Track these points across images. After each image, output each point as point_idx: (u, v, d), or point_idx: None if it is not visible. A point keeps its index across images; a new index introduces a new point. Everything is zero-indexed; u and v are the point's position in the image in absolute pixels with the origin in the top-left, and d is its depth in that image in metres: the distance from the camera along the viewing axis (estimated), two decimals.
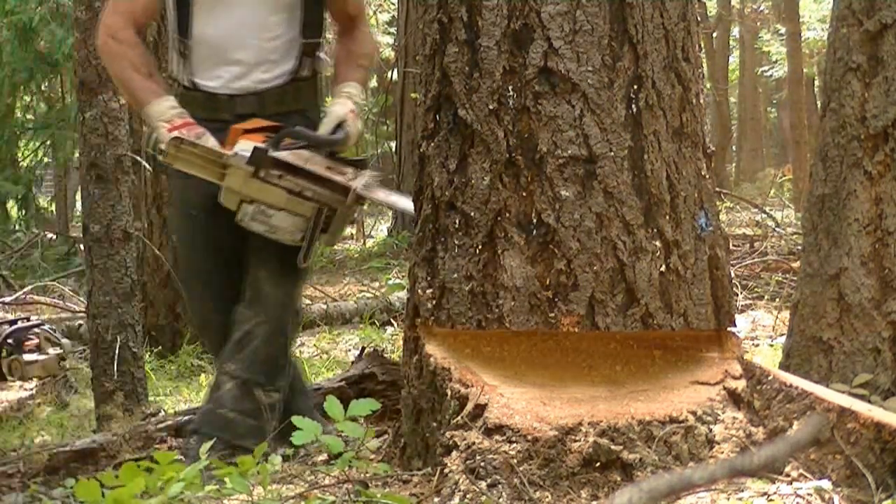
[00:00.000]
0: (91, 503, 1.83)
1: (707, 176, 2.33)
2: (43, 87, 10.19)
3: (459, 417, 2.08)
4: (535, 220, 2.19)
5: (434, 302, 2.26)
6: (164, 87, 3.02)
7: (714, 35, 19.23)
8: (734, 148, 22.94)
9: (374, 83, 15.59)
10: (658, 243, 2.21)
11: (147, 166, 5.67)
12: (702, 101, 2.35)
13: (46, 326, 5.24)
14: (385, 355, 3.83)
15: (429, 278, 2.29)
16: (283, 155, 2.84)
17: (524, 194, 2.20)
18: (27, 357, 5.01)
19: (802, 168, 13.21)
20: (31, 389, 5.23)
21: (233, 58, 3.00)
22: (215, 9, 2.99)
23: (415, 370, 2.30)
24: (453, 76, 2.26)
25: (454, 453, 2.04)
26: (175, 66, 3.09)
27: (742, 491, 1.96)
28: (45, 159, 11.30)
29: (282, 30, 3.02)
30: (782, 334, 3.84)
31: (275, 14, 3.01)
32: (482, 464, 1.99)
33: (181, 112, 2.93)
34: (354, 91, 3.06)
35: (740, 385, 2.18)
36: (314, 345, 6.21)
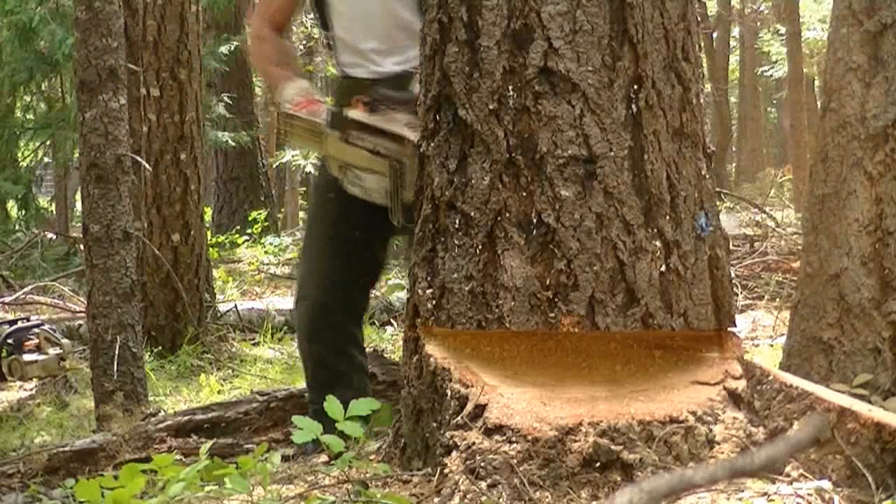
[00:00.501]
0: (91, 503, 1.83)
1: (707, 176, 2.33)
2: (43, 87, 10.17)
3: (459, 417, 2.08)
4: (535, 220, 2.19)
5: (434, 302, 2.26)
6: (296, 74, 3.19)
7: (714, 35, 19.23)
8: (734, 148, 22.94)
9: None
10: (658, 243, 2.21)
11: (146, 166, 5.66)
12: (702, 101, 2.35)
13: (46, 326, 5.23)
14: (385, 355, 3.84)
15: (429, 278, 2.29)
16: (358, 115, 2.88)
17: (524, 194, 2.20)
18: (27, 357, 5.00)
19: (802, 168, 13.22)
20: (31, 389, 5.22)
21: (365, 47, 3.10)
22: (343, 2, 3.11)
23: (415, 370, 2.30)
24: (453, 76, 2.26)
25: (454, 453, 2.03)
26: (331, 58, 3.27)
27: (742, 491, 1.95)
28: (45, 159, 11.29)
29: (406, 15, 3.07)
30: (782, 334, 3.84)
31: (394, 1, 3.07)
32: (482, 464, 1.98)
33: (306, 92, 3.05)
34: None
35: (740, 385, 2.18)
36: None
